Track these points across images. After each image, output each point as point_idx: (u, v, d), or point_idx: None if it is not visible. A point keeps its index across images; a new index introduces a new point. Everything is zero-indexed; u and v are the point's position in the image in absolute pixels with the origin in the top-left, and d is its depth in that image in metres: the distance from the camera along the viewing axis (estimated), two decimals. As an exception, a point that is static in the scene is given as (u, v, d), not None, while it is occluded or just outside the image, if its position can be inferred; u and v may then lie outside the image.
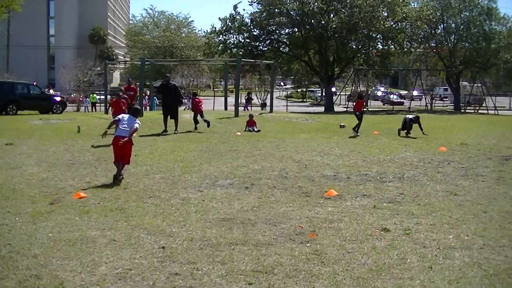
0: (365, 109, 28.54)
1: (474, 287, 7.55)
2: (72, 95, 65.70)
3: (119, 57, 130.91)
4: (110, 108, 26.15)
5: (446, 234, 9.99)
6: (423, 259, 8.60)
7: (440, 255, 8.82)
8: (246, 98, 56.97)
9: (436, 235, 9.90)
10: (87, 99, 58.83)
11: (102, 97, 50.89)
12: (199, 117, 28.24)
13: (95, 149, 20.12)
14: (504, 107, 70.64)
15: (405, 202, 12.58)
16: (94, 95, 58.26)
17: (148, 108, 47.36)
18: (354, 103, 30.91)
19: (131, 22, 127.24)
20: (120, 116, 15.00)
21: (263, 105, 57.44)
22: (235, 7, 58.61)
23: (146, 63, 44.03)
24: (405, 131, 26.37)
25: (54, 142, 21.99)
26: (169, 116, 26.21)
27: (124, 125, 14.51)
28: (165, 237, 9.42)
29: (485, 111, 63.20)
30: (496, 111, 62.53)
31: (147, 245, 9.01)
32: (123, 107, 22.22)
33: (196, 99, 28.99)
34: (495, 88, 77.54)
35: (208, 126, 27.76)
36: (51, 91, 57.31)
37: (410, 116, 27.02)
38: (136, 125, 14.51)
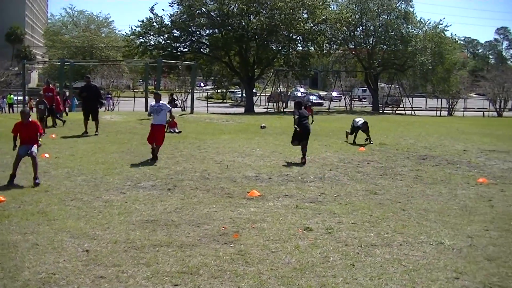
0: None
1: (395, 283, 7.80)
2: (-13, 96, 64.22)
3: (37, 57, 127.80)
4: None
5: (367, 232, 10.25)
6: (345, 257, 8.82)
7: (362, 252, 9.06)
8: (169, 99, 56.66)
9: (358, 233, 10.15)
10: (4, 100, 57.49)
11: (20, 97, 49.93)
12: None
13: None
14: (421, 107, 72.10)
15: (326, 202, 12.82)
16: (12, 96, 57.03)
17: (67, 109, 46.62)
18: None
19: (49, 21, 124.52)
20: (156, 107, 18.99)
21: (175, 106, 57.06)
22: (151, 9, 58.17)
23: (65, 63, 43.40)
24: (353, 136, 24.68)
25: (-30, 145, 21.46)
26: (90, 117, 25.89)
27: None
28: (89, 240, 9.38)
29: (403, 112, 64.52)
30: (413, 111, 63.90)
31: (71, 248, 8.95)
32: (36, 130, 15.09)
33: (57, 97, 29.41)
34: (411, 89, 78.97)
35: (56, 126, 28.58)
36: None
37: (359, 123, 24.60)
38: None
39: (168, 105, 19.92)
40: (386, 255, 8.95)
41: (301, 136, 18.80)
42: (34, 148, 14.71)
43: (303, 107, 20.19)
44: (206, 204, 12.28)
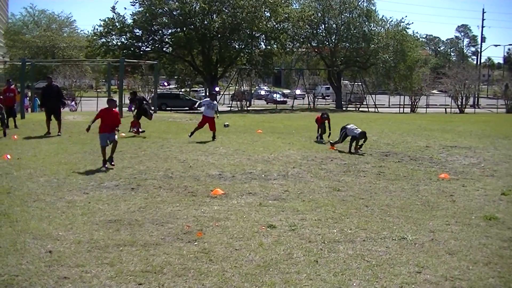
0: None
1: (358, 278, 7.86)
2: None
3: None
4: None
5: (331, 228, 10.31)
6: (309, 253, 8.86)
7: (325, 248, 9.11)
8: (129, 98, 56.39)
9: (321, 229, 10.20)
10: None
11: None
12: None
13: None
14: (384, 105, 72.62)
15: (290, 199, 12.87)
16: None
17: (29, 109, 46.18)
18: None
19: (10, 20, 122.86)
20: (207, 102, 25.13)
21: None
22: (113, 8, 57.82)
23: (27, 63, 42.96)
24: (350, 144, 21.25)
25: None
26: (52, 117, 25.69)
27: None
28: (52, 241, 9.31)
29: (366, 109, 64.94)
30: (376, 108, 64.38)
31: (34, 249, 8.87)
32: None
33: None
34: (374, 86, 79.44)
35: None
36: None
37: (356, 132, 21.25)
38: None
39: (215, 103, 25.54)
40: (349, 251, 9.02)
41: None
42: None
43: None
44: (170, 203, 12.27)
